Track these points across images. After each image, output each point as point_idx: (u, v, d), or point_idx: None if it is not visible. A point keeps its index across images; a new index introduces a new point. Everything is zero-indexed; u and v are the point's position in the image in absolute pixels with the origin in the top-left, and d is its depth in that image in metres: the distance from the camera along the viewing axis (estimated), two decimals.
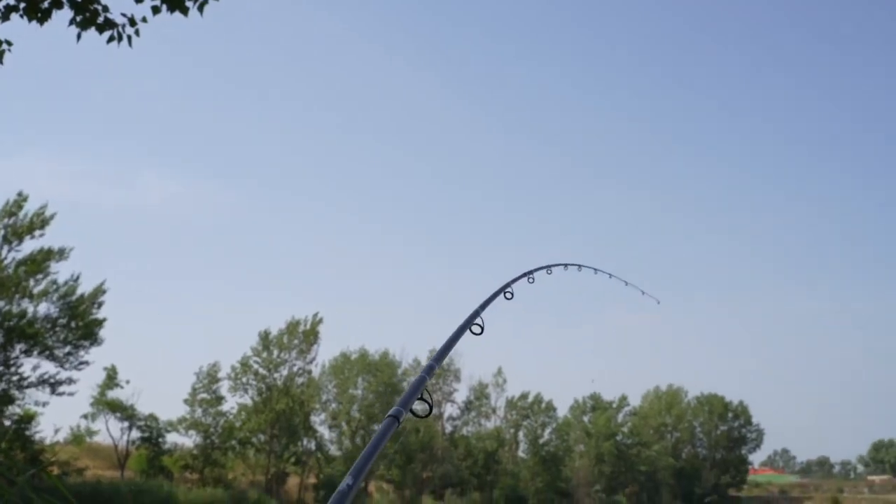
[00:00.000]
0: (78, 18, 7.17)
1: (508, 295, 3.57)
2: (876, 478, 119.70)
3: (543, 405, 72.46)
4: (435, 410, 65.28)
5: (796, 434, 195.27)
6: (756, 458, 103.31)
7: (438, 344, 2.90)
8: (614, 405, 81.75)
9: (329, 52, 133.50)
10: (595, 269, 5.24)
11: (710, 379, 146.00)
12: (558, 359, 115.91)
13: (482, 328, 3.04)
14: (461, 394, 66.98)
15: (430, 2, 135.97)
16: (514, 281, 3.78)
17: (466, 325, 3.03)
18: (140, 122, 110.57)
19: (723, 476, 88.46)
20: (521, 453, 72.97)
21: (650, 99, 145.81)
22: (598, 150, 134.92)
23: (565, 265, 4.72)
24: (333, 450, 58.52)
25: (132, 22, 7.28)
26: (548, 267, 4.40)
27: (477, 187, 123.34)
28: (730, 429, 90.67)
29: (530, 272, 4.09)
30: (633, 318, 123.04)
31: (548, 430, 72.84)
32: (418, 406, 2.37)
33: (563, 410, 77.21)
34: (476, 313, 3.16)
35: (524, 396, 72.04)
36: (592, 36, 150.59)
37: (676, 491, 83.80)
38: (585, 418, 78.95)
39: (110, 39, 7.26)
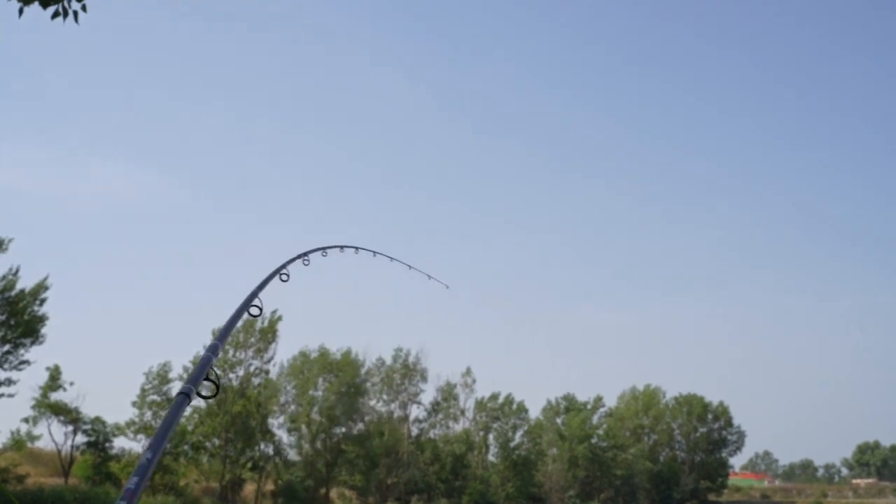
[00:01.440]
0: None
1: (284, 277, 3.80)
2: (861, 481, 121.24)
3: (515, 406, 72.59)
4: (400, 412, 65.68)
5: (778, 436, 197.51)
6: (737, 462, 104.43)
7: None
8: (589, 406, 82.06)
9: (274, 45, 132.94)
10: (374, 252, 5.37)
11: (689, 379, 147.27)
12: (527, 359, 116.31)
13: (261, 309, 3.32)
14: (428, 395, 66.98)
15: None
16: (288, 262, 3.94)
17: (244, 306, 3.27)
18: (87, 109, 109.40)
19: (702, 480, 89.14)
20: (491, 457, 73.09)
21: (624, 91, 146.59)
22: (576, 147, 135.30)
23: (341, 247, 4.93)
24: (293, 454, 58.26)
25: None
26: (322, 249, 4.57)
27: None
28: (709, 431, 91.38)
29: (305, 254, 4.25)
30: (608, 316, 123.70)
31: (519, 433, 72.98)
32: (205, 388, 2.49)
33: (535, 412, 77.47)
34: (253, 295, 3.40)
35: (494, 397, 72.16)
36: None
37: (654, 495, 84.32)
38: (559, 420, 79.17)
39: (55, 15, 7.00)
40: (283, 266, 3.81)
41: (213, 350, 2.63)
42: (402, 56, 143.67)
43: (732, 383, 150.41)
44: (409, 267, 5.83)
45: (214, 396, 2.46)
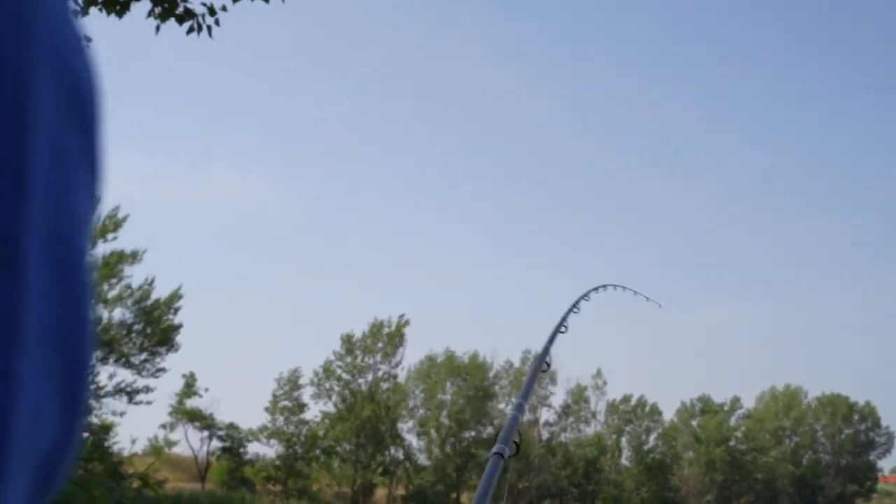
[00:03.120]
0: (157, 10, 7.30)
1: (563, 329, 4.05)
2: None
3: (647, 409, 71.59)
4: (530, 416, 65.36)
5: None
6: (886, 465, 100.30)
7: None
8: (726, 408, 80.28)
9: (407, 42, 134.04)
10: (634, 292, 5.55)
11: (833, 378, 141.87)
12: (658, 360, 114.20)
13: (549, 365, 3.57)
14: (558, 397, 66.56)
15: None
16: (565, 317, 4.18)
17: (538, 365, 3.57)
18: (208, 115, 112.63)
19: (849, 484, 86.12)
20: (624, 461, 72.24)
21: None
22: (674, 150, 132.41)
23: (604, 286, 5.10)
24: (422, 459, 58.72)
25: (212, 11, 7.38)
26: (585, 295, 4.73)
27: (560, 190, 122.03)
28: (856, 432, 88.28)
29: (576, 304, 4.46)
30: (743, 313, 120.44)
31: (653, 436, 71.91)
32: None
33: (668, 414, 76.21)
34: (545, 351, 3.69)
35: (626, 399, 71.29)
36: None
37: (796, 500, 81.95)
38: (694, 422, 77.71)
39: (190, 31, 7.37)
40: (564, 319, 4.04)
41: (519, 409, 2.90)
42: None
43: (879, 382, 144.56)
44: (660, 306, 6.08)
45: (516, 454, 2.65)
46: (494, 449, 2.52)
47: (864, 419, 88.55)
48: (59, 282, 0.40)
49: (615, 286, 5.21)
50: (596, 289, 4.67)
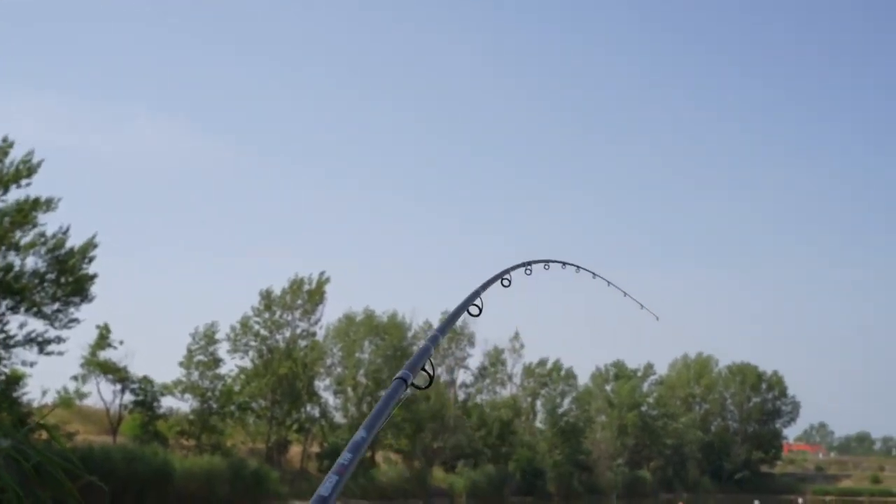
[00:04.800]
0: None
1: (506, 282, 3.82)
2: None
3: (563, 373, 72.84)
4: (447, 376, 66.10)
5: (834, 407, 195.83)
6: (791, 433, 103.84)
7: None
8: (639, 374, 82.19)
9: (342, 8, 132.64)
10: (593, 274, 5.42)
11: (743, 348, 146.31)
12: (574, 326, 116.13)
13: (480, 310, 3.30)
14: (475, 359, 67.34)
15: None
16: (512, 269, 4.00)
17: (465, 305, 3.29)
18: (133, 66, 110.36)
19: (755, 451, 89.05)
20: (538, 423, 73.58)
21: (658, 53, 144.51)
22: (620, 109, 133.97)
23: (563, 263, 4.94)
24: (338, 417, 59.11)
25: None
26: (546, 262, 4.62)
27: (499, 157, 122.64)
28: (763, 401, 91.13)
29: (528, 263, 4.31)
30: (657, 283, 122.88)
31: (567, 400, 73.33)
32: (419, 377, 2.56)
33: (583, 379, 77.73)
34: (475, 294, 3.41)
35: (542, 363, 72.43)
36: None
37: (704, 466, 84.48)
38: (608, 387, 79.40)
39: None
40: (507, 271, 3.89)
41: (433, 340, 2.76)
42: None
43: (787, 353, 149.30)
44: (625, 294, 5.96)
45: (428, 387, 2.55)
46: (400, 374, 2.43)
47: (771, 388, 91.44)
48: None
49: (578, 267, 5.15)
50: (546, 263, 4.64)
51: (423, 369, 2.56)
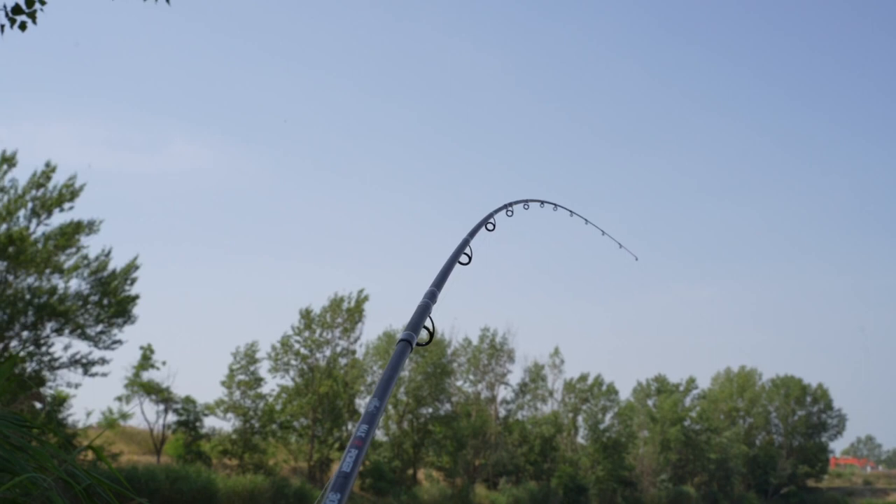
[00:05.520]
0: None
1: (490, 226, 3.91)
2: None
3: (604, 388, 72.41)
4: (487, 393, 66.02)
5: (882, 421, 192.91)
6: (837, 447, 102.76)
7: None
8: (681, 388, 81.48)
9: (366, 18, 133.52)
10: (571, 212, 5.45)
11: (787, 361, 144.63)
12: (617, 340, 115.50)
13: (470, 258, 3.39)
14: (515, 376, 67.27)
15: None
16: (495, 212, 4.11)
17: (455, 256, 3.36)
18: (167, 88, 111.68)
19: (801, 465, 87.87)
20: (580, 439, 73.12)
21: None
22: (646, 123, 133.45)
23: (542, 202, 5.00)
24: (380, 435, 59.07)
25: None
26: (525, 202, 4.70)
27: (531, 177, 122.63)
28: (808, 414, 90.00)
29: (509, 204, 4.39)
30: (698, 295, 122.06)
31: (609, 415, 72.79)
32: (423, 334, 2.60)
33: (625, 393, 77.20)
34: (465, 243, 3.50)
35: (583, 378, 72.05)
36: None
37: (750, 481, 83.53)
38: (650, 402, 78.83)
39: None
40: (491, 215, 3.99)
41: (430, 297, 2.80)
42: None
43: (832, 365, 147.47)
44: (603, 233, 5.93)
45: (429, 343, 2.59)
46: (402, 335, 2.45)
47: (816, 401, 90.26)
48: None
49: (556, 206, 5.17)
50: (526, 203, 4.68)
51: (424, 327, 2.61)
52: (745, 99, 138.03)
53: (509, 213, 4.34)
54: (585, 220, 5.62)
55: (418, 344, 2.52)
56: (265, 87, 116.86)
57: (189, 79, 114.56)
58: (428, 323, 2.62)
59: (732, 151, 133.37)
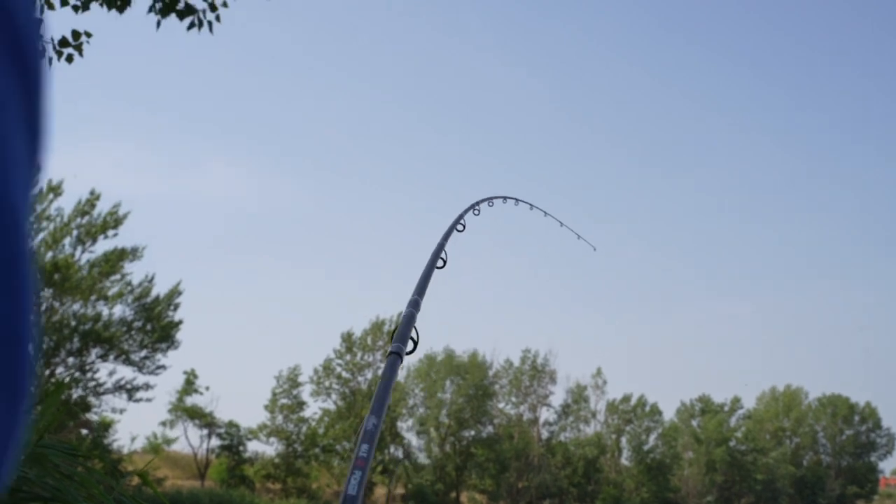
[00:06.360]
0: (157, 5, 7.38)
1: (460, 227, 4.03)
2: None
3: (647, 408, 71.81)
4: (530, 415, 65.75)
5: None
6: (887, 466, 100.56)
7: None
8: (726, 408, 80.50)
9: (403, 41, 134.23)
10: (530, 205, 5.48)
11: (833, 379, 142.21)
12: (657, 359, 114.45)
13: (445, 262, 3.47)
14: (557, 397, 66.87)
15: None
16: (464, 212, 4.22)
17: (432, 262, 3.41)
18: (204, 112, 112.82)
19: (849, 486, 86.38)
20: (624, 461, 72.47)
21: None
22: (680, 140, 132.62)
23: (504, 198, 5.02)
24: (422, 458, 58.99)
25: (213, 7, 7.49)
26: (489, 199, 4.73)
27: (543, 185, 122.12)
28: (856, 433, 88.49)
29: (475, 204, 4.47)
30: (739, 311, 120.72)
31: (653, 436, 72.13)
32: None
33: (668, 414, 76.44)
34: (439, 247, 3.58)
35: (626, 399, 71.50)
36: None
37: (797, 501, 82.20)
38: (694, 422, 77.93)
39: (190, 26, 7.44)
40: (461, 217, 4.08)
41: (414, 305, 2.84)
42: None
43: (881, 383, 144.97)
44: (561, 224, 5.93)
45: (413, 351, 2.58)
46: (391, 348, 2.46)
47: (864, 420, 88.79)
48: None
49: (516, 200, 5.28)
50: (490, 199, 4.77)
51: (410, 337, 2.62)
52: (789, 121, 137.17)
53: (476, 213, 4.42)
54: (544, 212, 5.65)
55: (408, 353, 2.54)
56: (304, 110, 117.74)
57: (227, 102, 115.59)
58: (413, 332, 2.63)
59: (766, 168, 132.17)
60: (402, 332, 2.58)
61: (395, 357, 2.44)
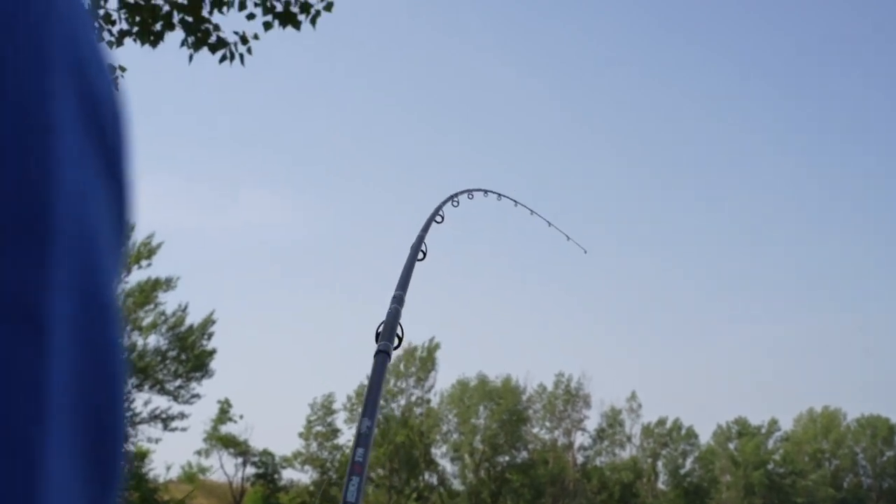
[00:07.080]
0: (190, 39, 7.44)
1: (439, 219, 4.00)
2: None
3: (683, 432, 71.19)
4: (564, 439, 65.34)
5: None
6: None
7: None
8: (763, 430, 79.65)
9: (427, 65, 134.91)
10: (515, 202, 5.36)
11: (872, 400, 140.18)
12: (692, 382, 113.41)
13: (425, 254, 3.45)
14: (592, 421, 66.33)
15: None
16: (442, 204, 4.19)
17: (413, 256, 3.38)
18: (236, 140, 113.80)
19: None
20: (660, 485, 71.77)
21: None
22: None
23: (485, 192, 5.00)
24: (456, 484, 58.75)
25: (244, 40, 7.54)
26: (469, 191, 4.67)
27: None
28: None
29: (454, 196, 4.43)
30: (774, 331, 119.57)
31: (689, 459, 71.46)
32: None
33: (705, 437, 75.70)
34: (419, 240, 3.56)
35: (661, 422, 70.91)
36: None
37: None
38: (731, 445, 77.13)
39: (222, 59, 7.51)
40: (439, 208, 4.08)
41: (398, 301, 2.79)
42: None
43: None
44: (549, 224, 5.81)
45: (398, 346, 2.55)
46: (378, 347, 2.44)
47: None
48: (88, 345, 0.34)
49: (499, 195, 5.21)
50: (470, 192, 4.73)
51: (396, 334, 2.60)
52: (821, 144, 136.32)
53: (455, 204, 4.37)
54: (531, 210, 5.54)
55: (394, 349, 2.53)
56: (335, 137, 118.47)
57: (257, 131, 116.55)
58: (398, 329, 2.60)
59: (794, 188, 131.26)
60: (387, 330, 2.55)
61: (384, 356, 2.43)
